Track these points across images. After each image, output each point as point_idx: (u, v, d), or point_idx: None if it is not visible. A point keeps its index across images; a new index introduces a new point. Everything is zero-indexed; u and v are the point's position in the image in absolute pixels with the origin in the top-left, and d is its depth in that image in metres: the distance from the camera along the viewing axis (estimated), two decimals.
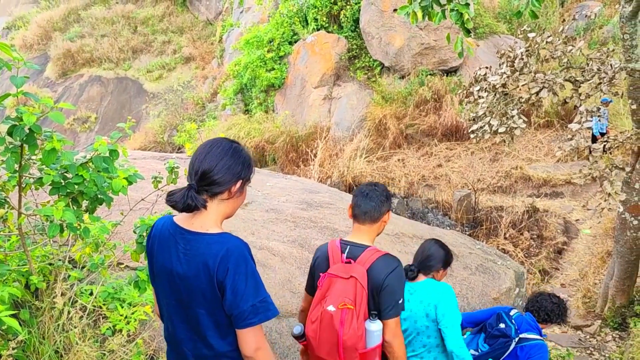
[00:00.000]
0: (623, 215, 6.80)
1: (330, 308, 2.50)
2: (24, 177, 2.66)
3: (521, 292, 5.31)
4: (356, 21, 15.16)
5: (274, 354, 2.09)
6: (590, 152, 6.83)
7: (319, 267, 2.68)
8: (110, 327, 2.82)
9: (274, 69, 15.46)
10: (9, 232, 3.03)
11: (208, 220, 2.00)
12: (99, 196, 2.69)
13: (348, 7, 15.18)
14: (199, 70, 21.77)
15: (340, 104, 14.62)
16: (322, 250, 2.73)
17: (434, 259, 3.23)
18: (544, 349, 3.53)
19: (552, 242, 9.50)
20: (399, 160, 13.13)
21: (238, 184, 2.02)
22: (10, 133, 2.37)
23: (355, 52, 15.24)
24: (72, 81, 22.99)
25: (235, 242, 1.96)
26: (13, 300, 2.70)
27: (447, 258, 3.28)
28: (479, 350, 3.68)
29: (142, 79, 22.40)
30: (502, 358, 3.58)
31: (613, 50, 6.28)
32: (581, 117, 5.93)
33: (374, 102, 14.19)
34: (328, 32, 15.34)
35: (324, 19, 15.39)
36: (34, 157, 2.67)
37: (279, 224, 4.60)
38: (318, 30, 15.40)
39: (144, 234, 2.86)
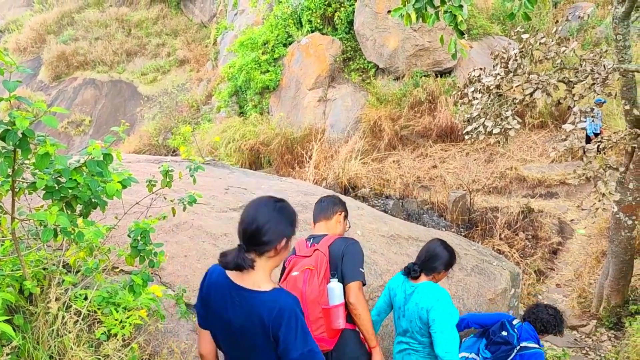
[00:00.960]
0: (617, 215, 6.83)
1: (294, 273, 2.88)
2: (17, 182, 2.64)
3: (517, 293, 5.31)
4: (350, 23, 15.18)
5: None
6: (584, 152, 6.87)
7: (285, 260, 3.03)
8: (105, 332, 2.78)
9: (268, 71, 15.46)
10: (3, 237, 3.00)
11: (259, 277, 2.17)
12: (93, 200, 2.67)
13: (342, 9, 15.19)
14: (194, 73, 21.75)
15: (335, 105, 14.62)
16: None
17: (437, 260, 3.31)
18: (542, 357, 3.66)
19: (547, 243, 9.55)
20: (394, 161, 13.16)
21: (283, 242, 2.20)
22: (3, 138, 2.36)
23: (350, 54, 15.26)
24: (66, 84, 22.93)
25: (287, 299, 2.15)
26: (7, 305, 2.69)
27: (450, 260, 3.35)
28: (480, 356, 3.82)
29: (137, 82, 22.38)
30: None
31: (606, 51, 6.30)
32: (575, 118, 5.95)
33: (369, 104, 14.20)
34: (322, 34, 15.34)
35: (318, 21, 15.40)
36: (27, 162, 2.65)
37: None
38: (312, 32, 15.41)
39: (139, 237, 2.86)
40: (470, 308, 4.32)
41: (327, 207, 3.18)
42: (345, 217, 3.24)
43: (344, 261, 2.89)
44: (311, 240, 3.05)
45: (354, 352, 2.96)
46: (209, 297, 2.27)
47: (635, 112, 6.31)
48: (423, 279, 3.30)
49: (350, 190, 12.03)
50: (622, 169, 6.57)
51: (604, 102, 10.80)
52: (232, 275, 2.19)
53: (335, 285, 2.81)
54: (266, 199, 2.28)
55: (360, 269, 2.91)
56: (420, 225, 7.04)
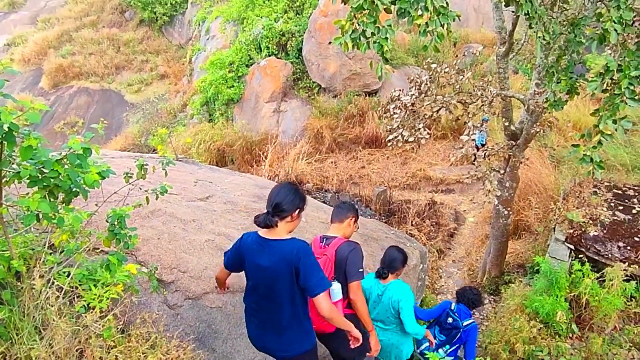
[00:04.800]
0: (497, 207, 7.02)
1: None
2: (4, 172, 2.34)
3: (424, 268, 5.34)
4: (299, 50, 14.99)
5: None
6: (475, 158, 6.98)
7: None
8: (84, 305, 2.50)
9: (233, 86, 15.04)
10: None
11: (280, 233, 2.53)
12: (74, 189, 2.39)
13: (293, 38, 14.99)
14: (172, 86, 20.88)
15: (286, 116, 14.42)
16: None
17: (396, 262, 3.59)
18: (476, 327, 4.06)
19: (446, 228, 9.68)
20: (332, 162, 13.09)
21: (296, 212, 2.58)
22: None
23: (299, 75, 15.07)
24: (63, 91, 21.43)
25: (302, 242, 2.51)
26: None
27: (404, 258, 3.65)
28: (437, 339, 4.11)
29: (124, 91, 21.26)
30: (454, 341, 4.07)
31: (491, 80, 6.45)
32: (469, 131, 6.04)
33: (313, 116, 14.08)
34: (277, 58, 15.07)
35: (274, 47, 15.11)
36: (14, 154, 2.35)
37: (234, 214, 4.38)
38: (269, 56, 15.10)
39: (115, 222, 2.62)
40: None
41: (342, 212, 3.23)
42: (355, 220, 3.27)
43: (347, 263, 2.93)
44: (324, 242, 3.10)
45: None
46: (244, 251, 2.59)
47: (512, 127, 6.50)
48: (390, 277, 3.57)
49: (298, 184, 11.90)
50: (501, 172, 6.76)
51: (488, 119, 11.12)
52: (261, 232, 2.55)
53: (335, 287, 2.86)
54: (286, 183, 2.68)
55: (359, 270, 2.97)
56: None
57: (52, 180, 2.29)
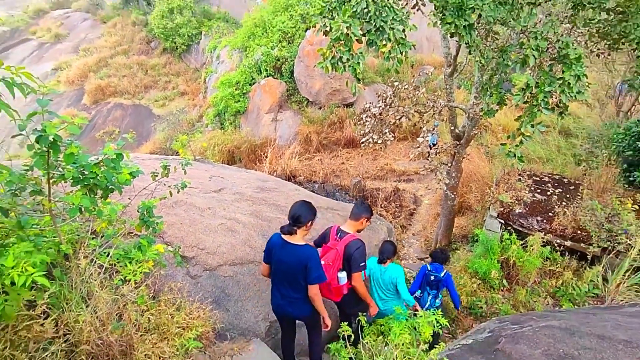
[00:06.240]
0: (446, 192, 7.07)
1: (323, 262, 2.99)
2: (52, 174, 2.25)
3: (391, 240, 5.34)
4: (291, 72, 14.81)
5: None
6: (429, 155, 7.01)
7: (323, 240, 3.25)
8: (121, 279, 2.46)
9: (239, 101, 14.82)
10: (42, 214, 2.58)
11: (298, 239, 2.78)
12: (110, 187, 2.32)
13: (286, 62, 14.79)
14: (190, 101, 20.47)
15: (282, 124, 14.28)
16: (326, 231, 3.26)
17: (389, 252, 3.76)
18: (449, 274, 4.26)
19: (407, 209, 9.76)
20: (318, 160, 13.04)
21: (309, 223, 2.80)
22: (37, 141, 1.98)
23: (291, 92, 14.91)
24: (102, 106, 20.86)
25: (312, 249, 2.77)
26: (50, 262, 2.30)
27: (395, 249, 3.82)
28: (431, 294, 4.26)
29: (151, 106, 20.76)
30: (439, 288, 4.24)
31: (440, 94, 6.45)
32: (424, 134, 6.07)
33: (303, 123, 13.97)
34: (274, 78, 14.88)
35: (271, 69, 14.90)
36: (59, 160, 2.26)
37: (241, 202, 4.32)
38: (267, 76, 14.89)
39: (145, 212, 2.55)
40: (367, 253, 4.27)
41: (358, 212, 3.20)
42: (368, 219, 3.25)
43: (352, 259, 3.02)
44: (338, 235, 3.13)
45: (351, 299, 3.19)
46: (271, 248, 2.82)
47: (456, 130, 6.55)
48: (388, 262, 3.74)
49: (292, 178, 11.83)
50: (449, 165, 6.81)
51: (439, 124, 11.17)
52: (284, 237, 2.77)
53: (341, 275, 3.02)
54: (303, 201, 2.82)
55: (361, 264, 3.06)
56: (334, 200, 6.98)
57: (91, 180, 2.22)
